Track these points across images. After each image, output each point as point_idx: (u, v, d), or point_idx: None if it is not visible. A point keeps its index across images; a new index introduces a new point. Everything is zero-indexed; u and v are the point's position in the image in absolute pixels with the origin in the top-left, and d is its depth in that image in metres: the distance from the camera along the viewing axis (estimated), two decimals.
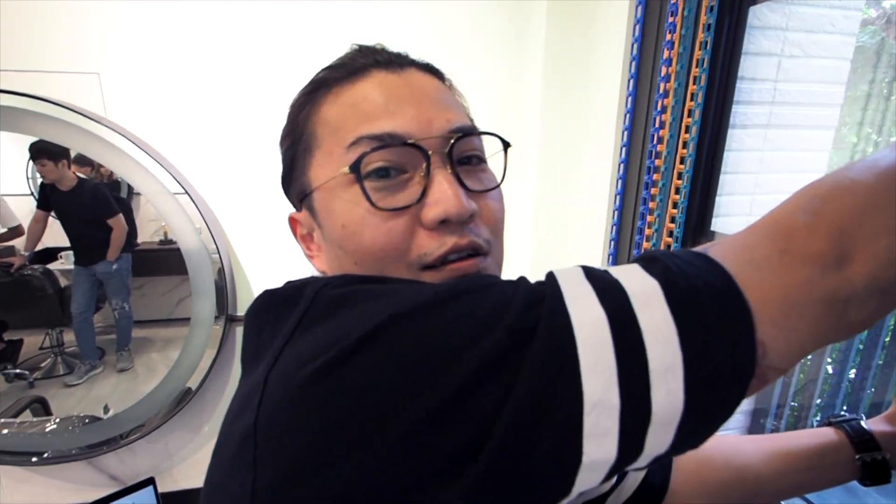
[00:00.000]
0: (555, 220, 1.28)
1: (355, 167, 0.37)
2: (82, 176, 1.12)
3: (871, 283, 0.28)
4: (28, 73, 1.00)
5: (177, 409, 1.23)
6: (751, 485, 0.56)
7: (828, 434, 0.55)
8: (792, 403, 1.72)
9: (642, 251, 0.92)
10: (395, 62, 0.41)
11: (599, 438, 0.26)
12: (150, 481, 1.21)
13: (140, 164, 1.06)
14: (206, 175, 1.14)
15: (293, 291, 0.35)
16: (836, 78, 1.37)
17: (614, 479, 0.56)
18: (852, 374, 1.72)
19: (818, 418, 1.37)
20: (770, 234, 0.29)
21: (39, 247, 1.17)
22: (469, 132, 0.40)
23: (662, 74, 0.81)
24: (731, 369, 0.27)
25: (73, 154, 1.09)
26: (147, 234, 1.20)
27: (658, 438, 0.27)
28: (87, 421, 1.23)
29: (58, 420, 1.23)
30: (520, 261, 1.40)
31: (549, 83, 1.22)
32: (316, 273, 0.47)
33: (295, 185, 0.44)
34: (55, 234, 1.17)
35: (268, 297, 0.38)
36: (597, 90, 1.03)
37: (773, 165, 1.38)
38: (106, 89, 1.04)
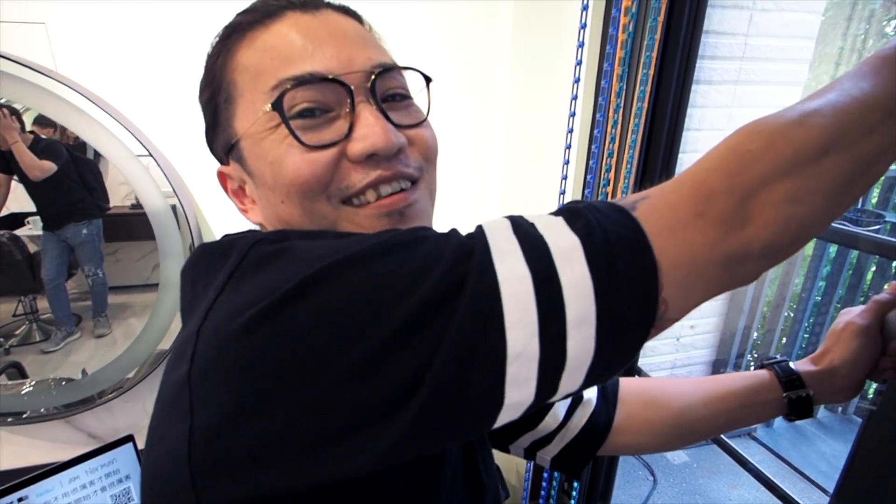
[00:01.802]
0: (521, 166, 1.28)
1: (278, 105, 0.37)
2: (43, 136, 1.08)
3: (765, 247, 0.31)
4: None
5: (151, 370, 1.24)
6: (690, 423, 0.60)
7: (760, 375, 0.59)
8: (752, 353, 1.81)
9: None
10: (310, 3, 0.41)
11: (520, 385, 0.29)
12: (129, 438, 1.23)
13: (98, 121, 1.02)
14: (170, 135, 1.10)
15: (227, 245, 0.36)
16: (807, 33, 1.37)
17: (561, 418, 0.60)
18: (807, 325, 1.81)
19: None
20: (692, 196, 0.31)
21: (4, 212, 1.13)
22: (390, 67, 0.41)
23: (621, 26, 0.80)
24: (636, 322, 0.30)
25: (35, 115, 1.05)
26: (118, 198, 1.16)
27: (571, 380, 0.30)
28: (63, 383, 1.24)
29: (34, 383, 1.23)
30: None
31: (517, 38, 1.20)
32: (253, 227, 0.47)
33: (220, 137, 0.44)
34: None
35: (202, 250, 0.39)
36: (557, 45, 1.02)
37: (741, 121, 1.40)
38: (54, 40, 0.99)
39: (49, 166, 1.11)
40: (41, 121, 1.07)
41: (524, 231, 0.31)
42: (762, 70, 1.34)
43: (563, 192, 0.99)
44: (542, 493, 1.22)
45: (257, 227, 0.48)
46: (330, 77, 0.38)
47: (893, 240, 0.66)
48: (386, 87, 0.41)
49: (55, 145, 1.11)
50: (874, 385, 0.56)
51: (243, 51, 0.40)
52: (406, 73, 0.44)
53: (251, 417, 0.29)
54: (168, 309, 1.21)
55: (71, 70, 1.01)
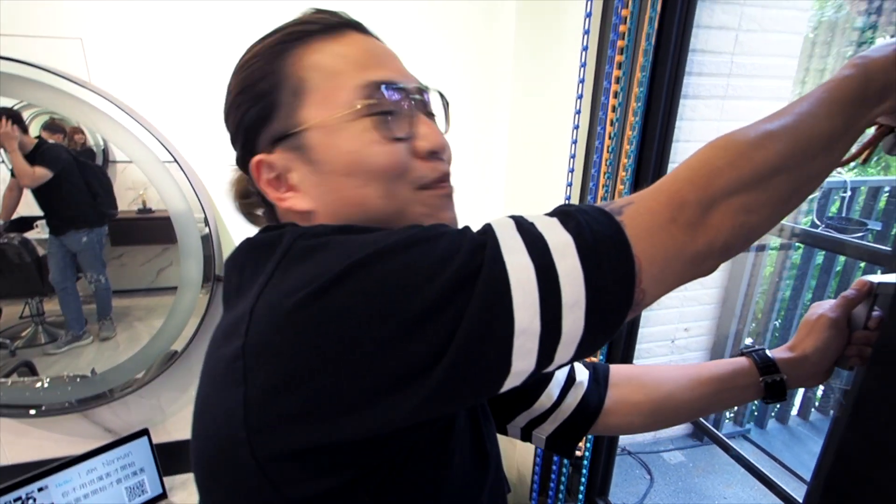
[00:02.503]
0: (521, 188, 1.35)
1: (373, 105, 0.44)
2: (51, 141, 1.11)
3: (722, 247, 0.39)
4: (7, 37, 1.01)
5: (164, 369, 1.28)
6: (676, 404, 0.66)
7: (740, 361, 0.65)
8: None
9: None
10: (361, 28, 0.49)
11: (524, 356, 0.35)
12: (145, 432, 1.28)
13: (128, 129, 1.09)
14: (193, 142, 1.17)
15: (273, 238, 0.41)
16: (790, 52, 1.45)
17: (555, 398, 0.66)
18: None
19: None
20: (668, 203, 0.38)
21: (15, 215, 1.17)
22: (429, 89, 0.50)
23: (618, 48, 0.88)
24: (617, 305, 0.37)
25: (44, 120, 1.09)
26: (125, 203, 1.19)
27: (564, 353, 0.37)
28: (77, 380, 1.27)
29: (48, 379, 1.26)
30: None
31: (519, 52, 1.28)
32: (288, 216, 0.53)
33: (272, 127, 0.46)
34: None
35: (248, 243, 0.44)
36: (557, 64, 1.09)
37: None
38: (89, 54, 1.07)
39: (41, 174, 1.13)
40: (50, 126, 1.11)
41: (526, 229, 0.37)
42: (748, 86, 1.42)
43: (568, 198, 1.06)
44: (551, 491, 1.27)
45: (288, 218, 0.53)
46: (409, 86, 0.46)
47: (877, 246, 0.72)
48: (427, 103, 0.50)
49: (53, 151, 1.13)
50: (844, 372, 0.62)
51: (312, 53, 0.45)
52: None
53: (302, 382, 0.34)
54: (185, 308, 1.26)
55: (104, 81, 1.09)
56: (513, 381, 0.37)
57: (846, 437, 0.56)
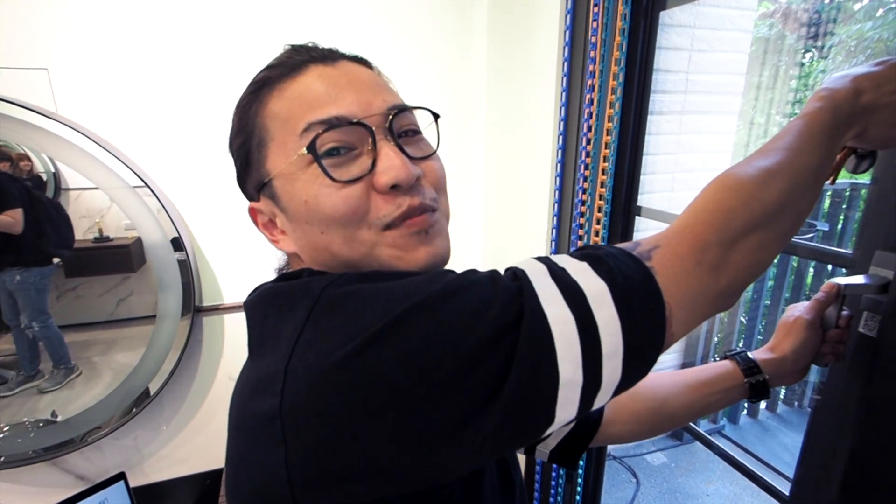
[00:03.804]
0: (503, 205, 1.39)
1: (311, 148, 0.42)
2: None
3: (742, 285, 0.41)
4: None
5: (135, 412, 1.22)
6: (672, 410, 0.69)
7: (725, 365, 0.69)
8: (714, 356, 1.96)
9: (579, 236, 1.05)
10: (328, 56, 0.46)
11: (566, 406, 0.36)
12: (121, 476, 1.21)
13: (96, 158, 1.05)
14: (165, 168, 1.15)
15: (296, 288, 0.40)
16: (737, 69, 1.57)
17: None
18: (762, 325, 1.98)
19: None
20: (693, 247, 0.39)
21: None
22: (404, 108, 0.46)
23: (589, 71, 0.93)
24: (650, 351, 0.38)
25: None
26: (79, 233, 1.12)
27: (602, 399, 0.37)
28: (40, 425, 1.20)
29: (7, 427, 1.18)
30: (471, 241, 1.50)
31: (491, 91, 1.32)
32: (281, 256, 0.53)
33: (252, 177, 0.48)
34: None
35: (268, 289, 0.43)
36: (533, 91, 1.14)
37: (688, 146, 1.57)
38: (56, 84, 1.03)
39: (18, 217, 1.08)
40: None
41: (559, 276, 0.37)
42: (702, 101, 1.52)
43: (556, 214, 1.10)
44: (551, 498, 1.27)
45: (285, 256, 0.54)
46: (354, 121, 0.43)
47: (824, 246, 0.78)
48: (400, 125, 0.46)
49: (6, 186, 1.05)
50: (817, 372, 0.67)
51: (273, 101, 0.45)
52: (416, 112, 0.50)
53: (345, 442, 0.33)
54: (162, 344, 1.21)
55: (71, 111, 1.05)
56: (552, 428, 0.37)
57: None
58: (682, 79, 1.46)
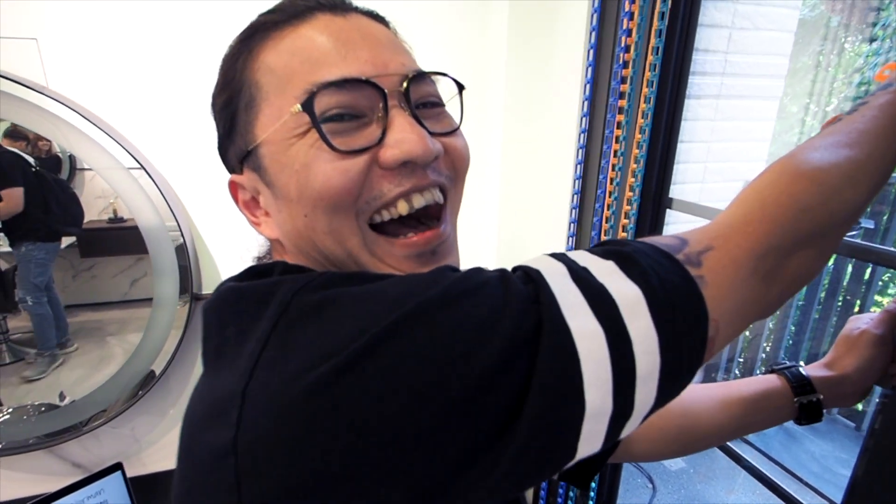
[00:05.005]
0: (520, 193, 1.30)
1: (308, 106, 0.35)
2: (12, 150, 1.05)
3: (790, 296, 0.36)
4: None
5: (141, 394, 1.20)
6: (705, 429, 0.61)
7: (771, 380, 0.60)
8: (739, 359, 1.86)
9: (604, 230, 0.96)
10: (339, 6, 0.39)
11: (591, 439, 0.29)
12: (118, 467, 1.18)
13: (90, 137, 0.99)
14: (163, 149, 1.08)
15: (263, 290, 0.33)
16: (781, 50, 1.44)
17: None
18: (793, 328, 1.87)
19: (763, 370, 1.49)
20: (753, 251, 0.33)
21: None
22: (423, 73, 0.39)
23: (622, 45, 0.84)
24: (688, 370, 0.31)
25: (6, 126, 1.02)
26: (94, 213, 1.12)
27: (629, 429, 0.31)
28: (42, 409, 1.18)
29: (10, 410, 1.17)
30: (486, 235, 1.42)
31: (511, 63, 1.23)
32: (263, 241, 0.46)
33: (236, 144, 0.40)
34: None
35: (234, 293, 0.35)
36: (558, 61, 1.05)
37: (723, 134, 1.45)
38: (45, 56, 0.97)
39: (17, 194, 1.08)
40: (12, 133, 1.04)
41: (582, 278, 0.31)
42: (742, 85, 1.40)
43: (576, 207, 1.01)
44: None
45: (268, 243, 0.47)
46: (363, 79, 0.35)
47: (867, 244, 0.69)
48: (419, 94, 0.39)
49: (7, 163, 1.06)
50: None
51: (268, 52, 0.37)
52: (438, 81, 0.42)
53: (316, 491, 0.27)
54: (160, 329, 1.17)
55: (63, 85, 0.99)
56: (571, 462, 0.30)
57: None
58: (720, 59, 1.34)
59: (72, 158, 1.10)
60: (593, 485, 1.17)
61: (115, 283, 1.18)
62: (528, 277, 0.31)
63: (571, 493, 1.18)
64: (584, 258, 0.32)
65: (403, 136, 0.36)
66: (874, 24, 2.01)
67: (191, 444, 0.33)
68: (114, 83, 1.02)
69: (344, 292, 0.30)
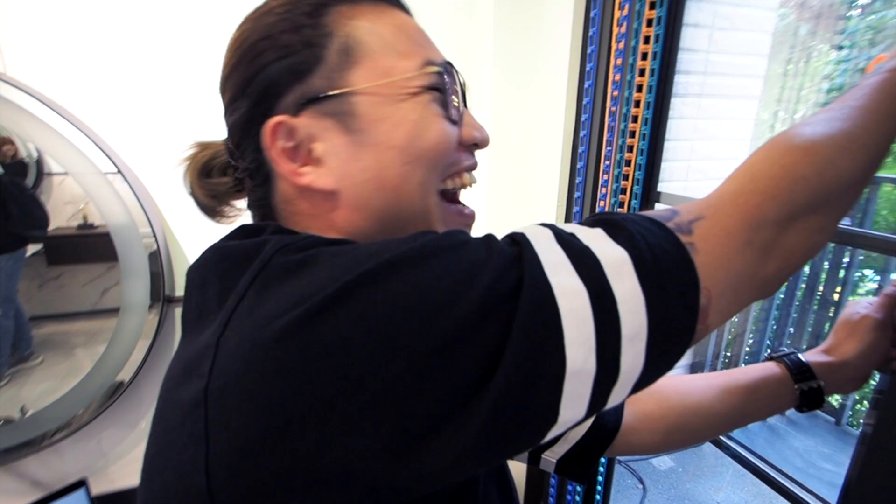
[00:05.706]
0: (507, 186, 1.29)
1: (438, 75, 0.40)
2: None
3: (791, 272, 0.35)
4: None
5: (107, 405, 1.13)
6: (705, 418, 0.60)
7: (770, 367, 0.59)
8: (726, 353, 1.88)
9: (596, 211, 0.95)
10: (403, 6, 0.44)
11: (574, 402, 0.29)
12: (82, 483, 1.10)
13: (56, 130, 0.93)
14: (138, 150, 1.03)
15: (249, 248, 0.33)
16: (760, 50, 1.47)
17: None
18: (773, 325, 1.91)
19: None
20: (746, 221, 0.32)
21: None
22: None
23: (618, 50, 0.84)
24: (678, 338, 0.30)
25: None
26: (62, 219, 1.06)
27: (618, 395, 0.30)
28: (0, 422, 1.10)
29: None
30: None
31: (496, 63, 1.22)
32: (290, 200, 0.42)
33: (303, 86, 0.38)
34: None
35: (216, 251, 0.35)
36: (544, 62, 1.04)
37: (706, 132, 1.47)
38: (4, 43, 0.91)
39: None
40: None
41: (567, 241, 0.31)
42: (722, 84, 1.42)
43: (579, 197, 1.00)
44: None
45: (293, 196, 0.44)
46: (455, 70, 0.42)
47: (855, 229, 0.69)
48: None
49: None
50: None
51: (364, 18, 0.39)
52: None
53: (283, 438, 0.26)
54: (127, 336, 1.11)
55: (22, 74, 0.93)
56: (556, 430, 0.30)
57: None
58: (702, 58, 1.36)
59: (39, 164, 1.04)
60: (579, 488, 1.15)
61: (85, 293, 1.13)
62: (514, 241, 0.32)
63: (578, 498, 1.16)
64: (572, 226, 0.33)
65: (475, 123, 0.43)
66: (842, 32, 2.09)
67: (164, 406, 0.33)
68: (78, 72, 0.96)
69: (325, 251, 0.31)
